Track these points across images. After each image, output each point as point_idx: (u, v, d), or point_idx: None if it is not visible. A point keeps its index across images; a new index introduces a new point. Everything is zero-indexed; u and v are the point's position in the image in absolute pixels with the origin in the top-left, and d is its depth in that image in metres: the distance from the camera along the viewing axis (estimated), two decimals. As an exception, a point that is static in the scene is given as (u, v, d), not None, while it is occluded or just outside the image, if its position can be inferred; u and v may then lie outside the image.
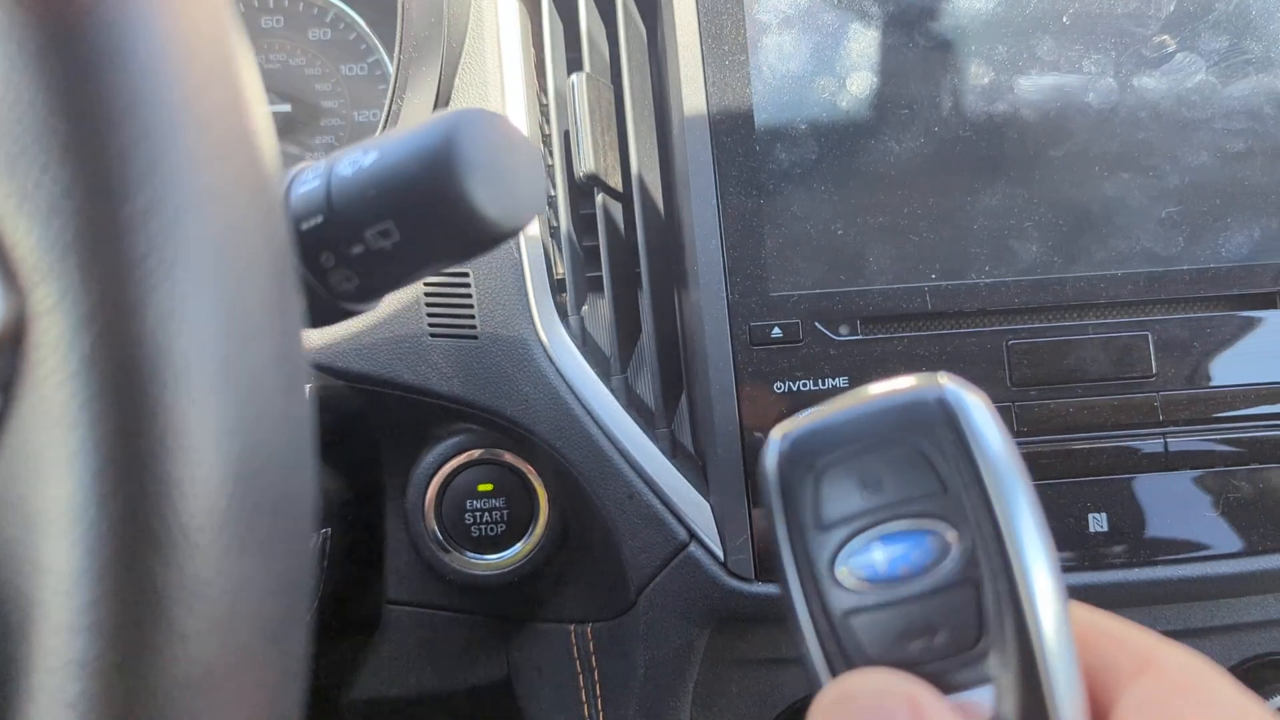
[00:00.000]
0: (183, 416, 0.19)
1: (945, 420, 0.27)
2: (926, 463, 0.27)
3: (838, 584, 0.27)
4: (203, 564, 0.20)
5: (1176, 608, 0.60)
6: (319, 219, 0.31)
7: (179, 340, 0.20)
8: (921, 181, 0.57)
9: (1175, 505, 0.56)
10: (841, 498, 0.27)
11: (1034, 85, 0.58)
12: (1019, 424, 0.55)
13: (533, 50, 0.65)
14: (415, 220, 0.30)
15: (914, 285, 0.56)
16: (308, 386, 0.23)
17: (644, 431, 0.57)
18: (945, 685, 0.26)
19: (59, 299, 0.19)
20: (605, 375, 0.58)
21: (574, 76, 0.60)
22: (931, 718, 0.25)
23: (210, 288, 0.20)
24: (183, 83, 0.20)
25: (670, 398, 0.59)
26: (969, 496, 0.26)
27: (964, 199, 0.57)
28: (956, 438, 0.26)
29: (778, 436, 0.29)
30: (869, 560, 0.27)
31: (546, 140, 0.63)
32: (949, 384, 0.27)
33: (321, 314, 0.33)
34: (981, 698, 0.25)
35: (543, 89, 0.64)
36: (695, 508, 0.56)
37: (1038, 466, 0.55)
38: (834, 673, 0.27)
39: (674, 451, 0.57)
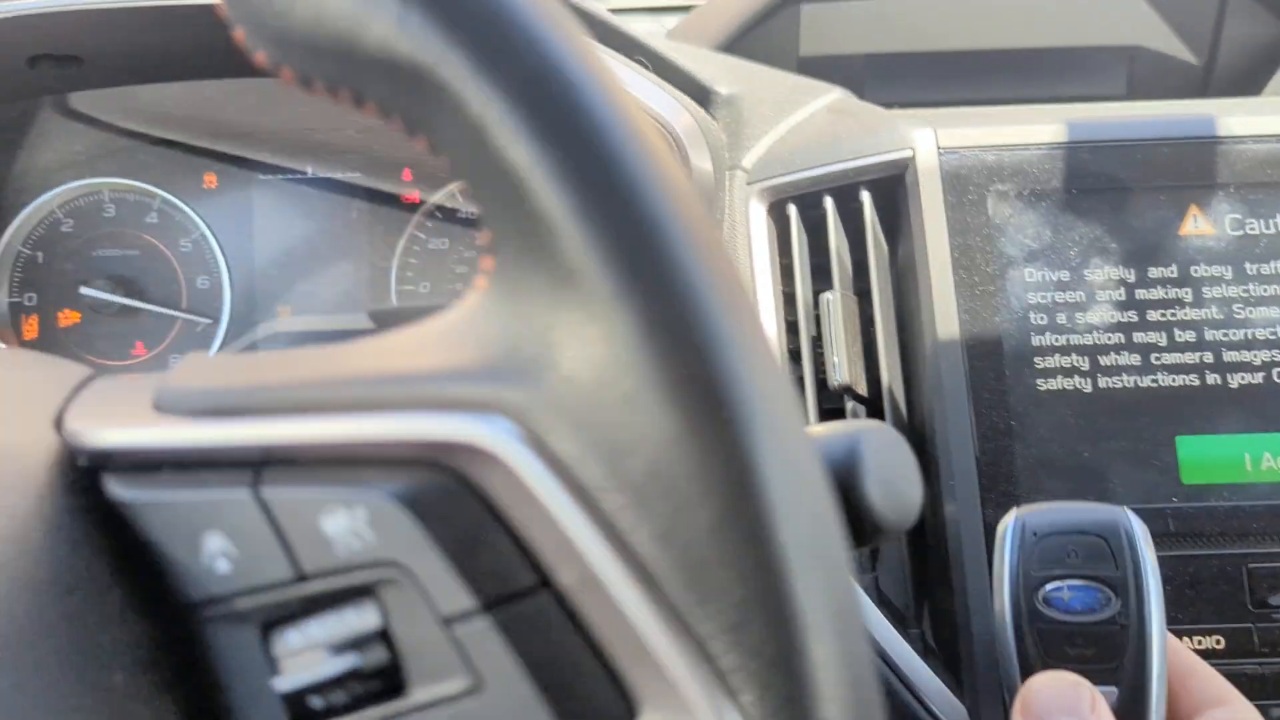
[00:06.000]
0: None
1: (1128, 534, 0.47)
2: (1108, 551, 0.47)
3: (1037, 605, 0.47)
4: None
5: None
6: None
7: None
8: (1159, 410, 0.62)
9: None
10: (1050, 557, 0.48)
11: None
12: (1260, 644, 0.59)
13: (778, 259, 0.71)
14: None
15: (1156, 507, 0.60)
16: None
17: (897, 630, 0.61)
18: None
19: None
20: (857, 573, 0.63)
21: (828, 294, 0.66)
22: (1102, 712, 0.41)
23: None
24: None
25: (921, 599, 0.63)
26: (1131, 580, 0.46)
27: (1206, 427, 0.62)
28: (1130, 546, 0.47)
29: (1017, 514, 0.50)
30: (1061, 596, 0.47)
31: (795, 353, 0.69)
32: (1132, 512, 0.49)
33: None
34: (1109, 694, 0.44)
35: (788, 300, 0.70)
36: (952, 710, 0.59)
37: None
38: (1020, 667, 0.47)
39: (924, 651, 0.61)
